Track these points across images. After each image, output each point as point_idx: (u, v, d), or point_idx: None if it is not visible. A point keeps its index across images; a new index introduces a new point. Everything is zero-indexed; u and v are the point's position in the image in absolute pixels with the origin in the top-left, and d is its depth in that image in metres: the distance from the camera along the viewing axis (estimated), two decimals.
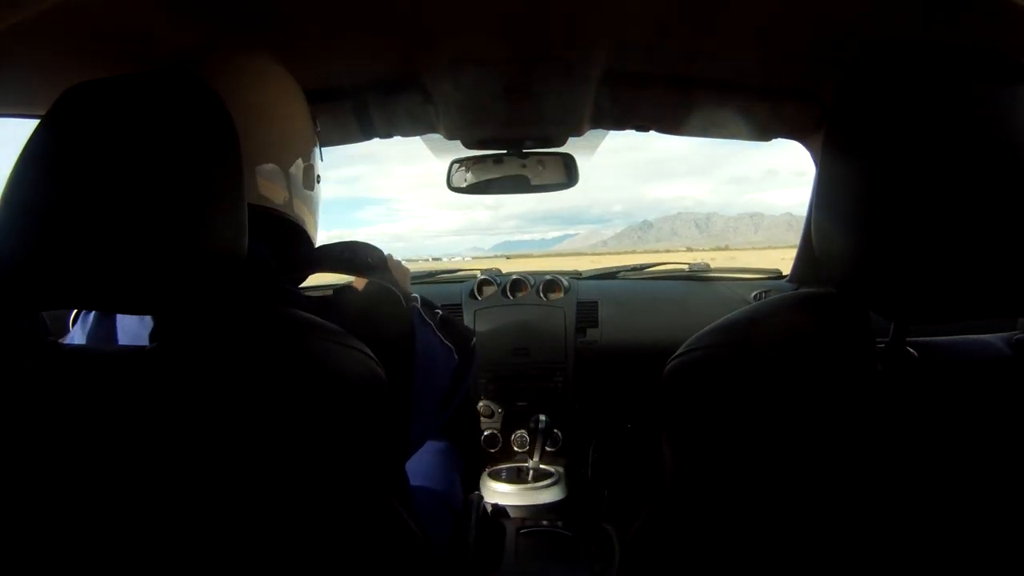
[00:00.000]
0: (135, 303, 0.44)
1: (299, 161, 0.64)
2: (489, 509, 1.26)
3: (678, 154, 48.94)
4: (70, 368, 0.45)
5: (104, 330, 0.59)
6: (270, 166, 0.60)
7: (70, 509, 0.42)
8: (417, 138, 1.17)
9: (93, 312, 0.61)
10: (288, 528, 0.44)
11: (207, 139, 0.44)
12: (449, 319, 0.72)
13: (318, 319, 0.49)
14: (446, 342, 0.68)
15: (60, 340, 0.54)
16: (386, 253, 0.69)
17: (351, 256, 0.64)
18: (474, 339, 0.76)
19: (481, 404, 1.38)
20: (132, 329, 0.57)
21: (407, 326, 0.61)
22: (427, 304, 0.70)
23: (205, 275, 0.43)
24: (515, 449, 1.39)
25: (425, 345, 0.63)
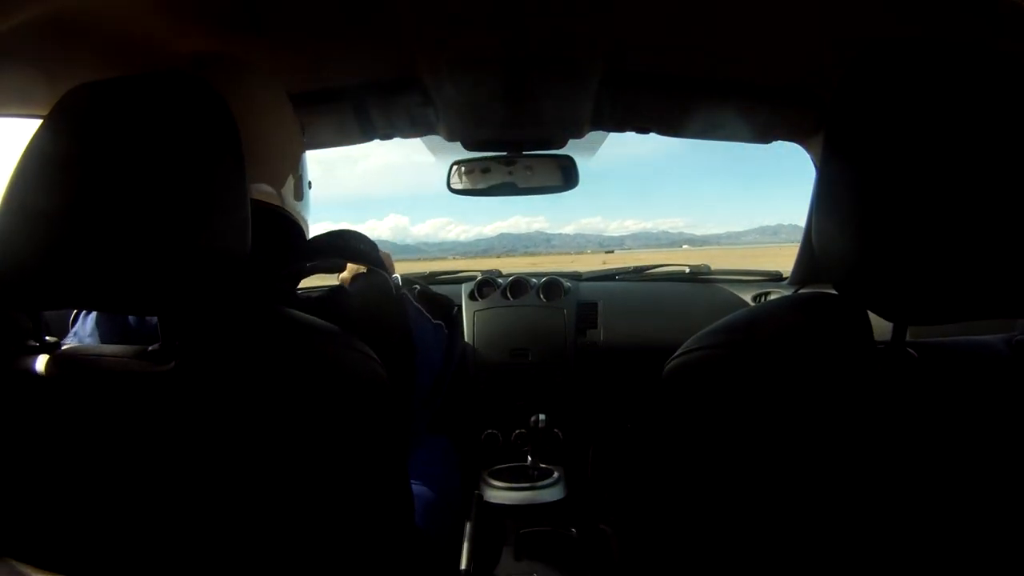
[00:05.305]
0: (139, 304, 0.44)
1: (290, 178, 0.64)
2: (489, 509, 1.25)
3: None
4: (73, 368, 0.45)
5: (106, 330, 0.59)
6: (263, 186, 0.60)
7: (78, 507, 0.42)
8: None
9: (93, 312, 0.61)
10: (296, 524, 0.44)
11: (210, 139, 0.44)
12: (428, 291, 0.72)
13: (321, 321, 0.49)
14: (435, 320, 0.69)
15: (61, 340, 0.54)
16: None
17: (342, 244, 0.64)
18: (455, 307, 0.76)
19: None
20: (133, 329, 0.57)
21: (403, 320, 0.62)
22: (406, 281, 0.70)
23: (210, 275, 0.43)
24: (515, 449, 1.39)
25: (419, 333, 0.64)
